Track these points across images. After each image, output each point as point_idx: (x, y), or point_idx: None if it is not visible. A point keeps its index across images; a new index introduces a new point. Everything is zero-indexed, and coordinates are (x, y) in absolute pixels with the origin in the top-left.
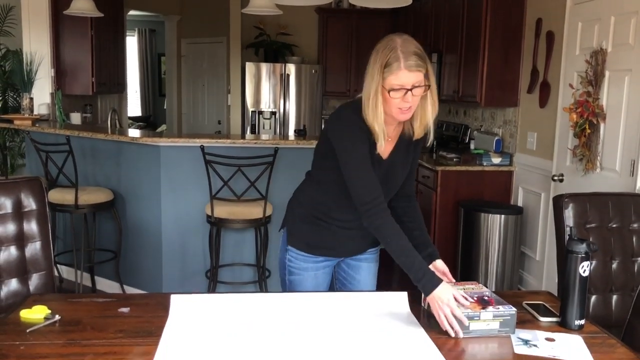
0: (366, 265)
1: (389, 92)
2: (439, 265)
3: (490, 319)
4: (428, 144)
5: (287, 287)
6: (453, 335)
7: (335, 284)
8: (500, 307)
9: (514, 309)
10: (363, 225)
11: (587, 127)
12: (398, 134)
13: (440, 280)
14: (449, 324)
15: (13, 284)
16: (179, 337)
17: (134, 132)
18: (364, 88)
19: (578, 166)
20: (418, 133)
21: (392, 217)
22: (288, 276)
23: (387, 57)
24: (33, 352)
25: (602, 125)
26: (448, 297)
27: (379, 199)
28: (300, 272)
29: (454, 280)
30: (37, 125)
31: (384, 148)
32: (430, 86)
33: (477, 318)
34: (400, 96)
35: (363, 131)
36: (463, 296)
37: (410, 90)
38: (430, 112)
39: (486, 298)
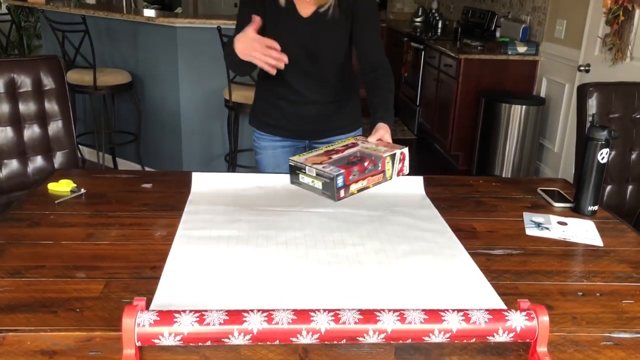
0: None
1: None
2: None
3: (313, 176)
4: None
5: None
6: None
7: None
8: (331, 167)
9: (341, 173)
10: (312, 103)
11: (621, 13)
12: None
13: None
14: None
15: (38, 160)
16: (201, 211)
17: (149, 12)
18: None
19: (607, 56)
20: None
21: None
22: (255, 156)
23: None
24: (62, 221)
25: (637, 12)
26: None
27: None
28: (260, 150)
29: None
30: (51, 3)
31: (303, 7)
32: None
33: (304, 171)
34: None
35: None
36: None
37: None
38: None
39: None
